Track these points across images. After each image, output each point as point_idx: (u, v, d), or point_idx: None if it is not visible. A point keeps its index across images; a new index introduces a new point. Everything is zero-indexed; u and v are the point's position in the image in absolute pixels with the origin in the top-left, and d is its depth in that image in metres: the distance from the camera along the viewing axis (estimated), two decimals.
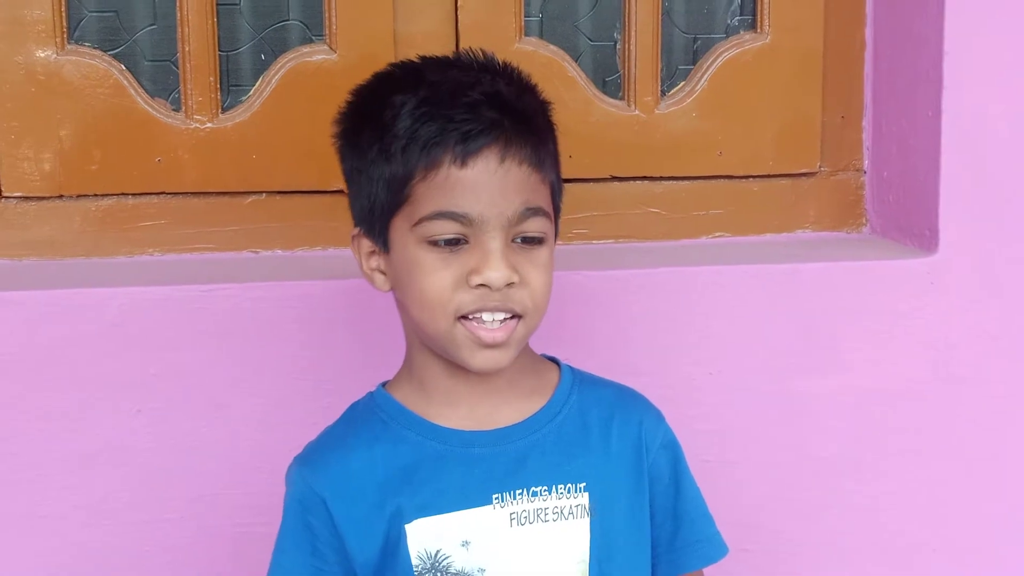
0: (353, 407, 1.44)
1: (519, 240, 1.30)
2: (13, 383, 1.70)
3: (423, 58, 1.38)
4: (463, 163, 1.26)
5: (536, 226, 1.30)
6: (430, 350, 1.36)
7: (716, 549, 1.47)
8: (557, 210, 1.38)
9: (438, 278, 1.28)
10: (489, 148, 1.27)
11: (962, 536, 1.95)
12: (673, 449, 1.45)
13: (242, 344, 1.75)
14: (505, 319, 1.30)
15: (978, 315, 1.92)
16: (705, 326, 1.86)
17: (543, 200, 1.32)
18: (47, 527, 1.72)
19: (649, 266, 1.86)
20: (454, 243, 1.28)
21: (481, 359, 1.31)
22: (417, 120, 1.28)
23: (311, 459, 1.39)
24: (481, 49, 1.37)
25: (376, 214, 1.34)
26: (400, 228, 1.31)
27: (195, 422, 1.74)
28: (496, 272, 1.27)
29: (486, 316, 1.29)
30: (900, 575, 1.95)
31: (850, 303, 1.89)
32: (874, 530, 1.93)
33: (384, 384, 1.44)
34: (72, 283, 1.74)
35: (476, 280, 1.27)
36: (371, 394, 1.43)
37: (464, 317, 1.29)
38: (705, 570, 1.48)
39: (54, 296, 1.70)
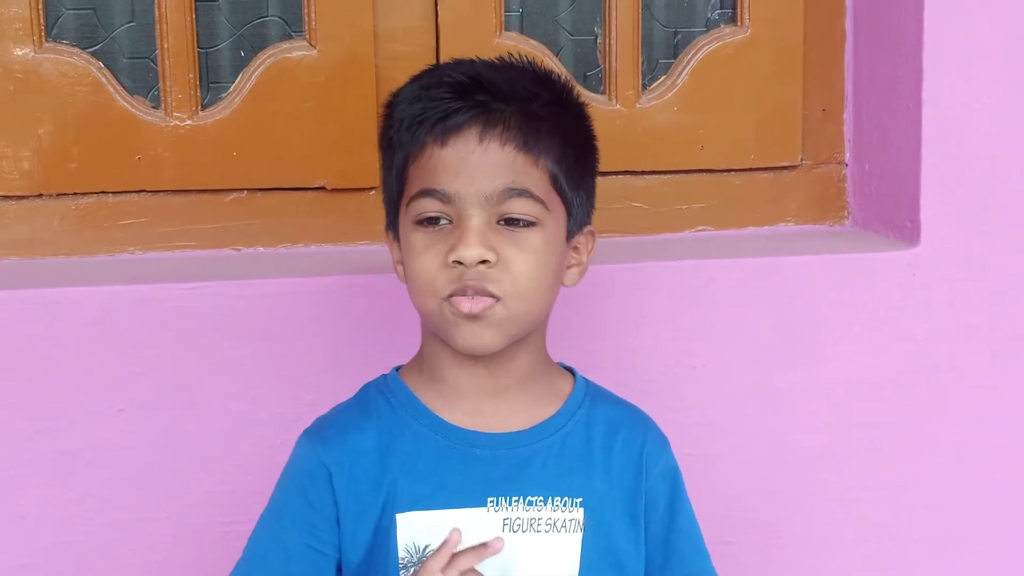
0: (365, 389, 1.44)
1: (503, 222, 1.30)
2: None
3: (459, 60, 1.39)
4: (443, 142, 1.28)
5: (521, 207, 1.29)
6: (439, 339, 1.36)
7: None
8: (569, 203, 1.36)
9: (425, 260, 1.30)
10: (469, 126, 1.28)
11: (943, 528, 1.96)
12: (673, 478, 1.44)
13: (224, 342, 1.74)
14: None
15: (960, 307, 1.92)
16: (687, 320, 1.86)
17: (534, 184, 1.30)
18: (26, 527, 1.72)
19: (631, 260, 1.86)
20: (435, 221, 1.30)
21: (464, 335, 1.30)
22: (408, 103, 1.32)
23: (323, 434, 1.39)
24: (522, 55, 1.39)
25: (392, 204, 1.37)
26: (402, 212, 1.34)
27: (177, 420, 1.73)
28: (468, 249, 1.26)
29: (468, 294, 1.29)
30: (881, 567, 1.95)
31: (832, 296, 1.90)
32: (856, 522, 1.93)
33: (398, 368, 1.44)
34: (52, 282, 1.73)
35: (451, 257, 1.28)
36: (384, 377, 1.44)
37: (451, 296, 1.29)
38: None
39: (34, 295, 1.70)
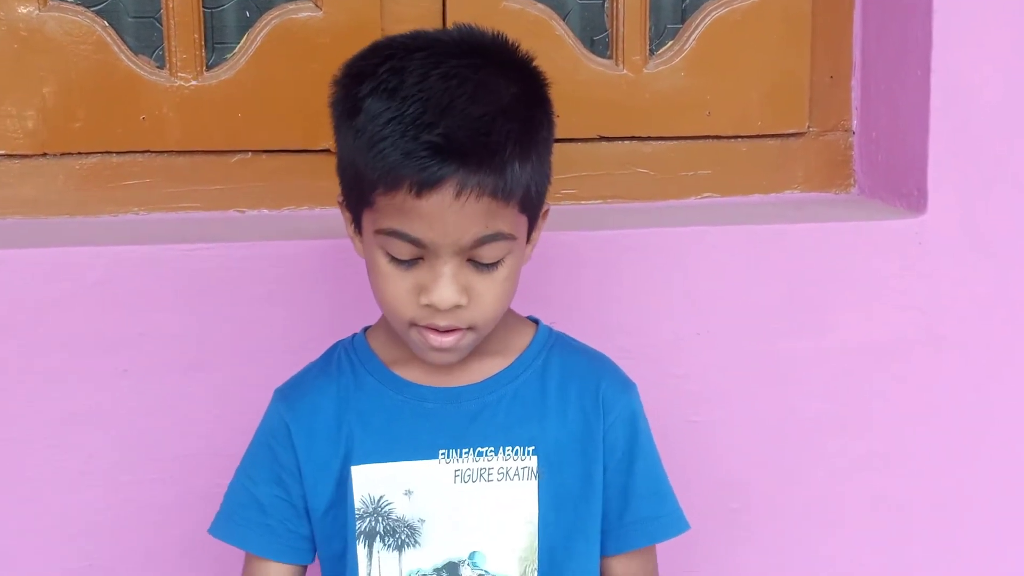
0: (334, 347, 1.50)
1: (473, 261, 1.31)
2: None
3: (415, 43, 1.33)
4: (418, 194, 1.26)
5: (492, 252, 1.31)
6: None
7: (666, 527, 1.48)
8: (534, 210, 1.37)
9: (395, 287, 1.32)
10: (447, 182, 1.25)
11: (946, 496, 1.97)
12: (633, 422, 1.45)
13: (228, 304, 1.74)
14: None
15: (966, 276, 1.92)
16: (692, 287, 1.86)
17: (505, 223, 1.31)
18: (32, 489, 1.72)
19: (636, 227, 1.86)
20: (409, 262, 1.31)
21: (432, 357, 1.36)
22: (382, 140, 1.27)
23: (286, 392, 1.47)
24: (480, 29, 1.35)
25: (351, 197, 1.37)
26: (367, 224, 1.34)
27: (181, 382, 1.73)
28: (442, 298, 1.29)
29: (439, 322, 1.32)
30: (885, 534, 1.96)
31: (838, 264, 1.89)
32: (860, 490, 1.94)
33: (368, 328, 1.49)
34: (56, 242, 1.73)
35: (424, 300, 1.30)
36: (353, 336, 1.49)
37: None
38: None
39: (38, 255, 1.69)
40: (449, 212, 1.26)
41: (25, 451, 1.71)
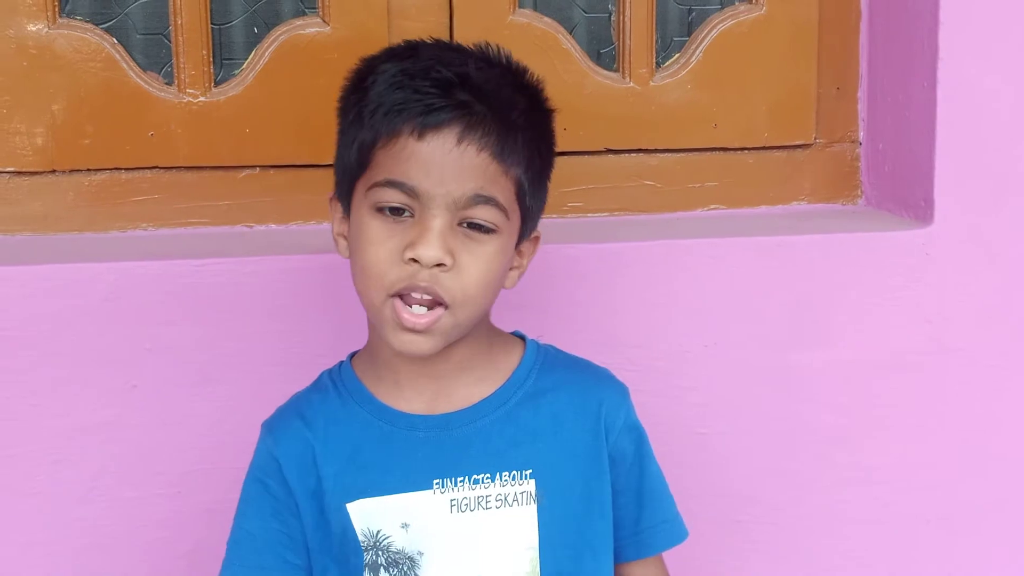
0: (321, 376, 1.47)
1: (465, 225, 1.30)
2: (6, 358, 1.70)
3: (437, 41, 1.39)
4: (420, 136, 1.27)
5: (485, 214, 1.30)
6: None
7: (678, 531, 1.48)
8: (527, 212, 1.37)
9: (379, 250, 1.29)
10: (449, 125, 1.27)
11: (955, 508, 1.96)
12: (636, 430, 1.45)
13: (236, 319, 1.74)
14: (431, 307, 1.30)
15: (973, 286, 1.92)
16: (700, 299, 1.86)
17: (501, 193, 1.31)
18: (40, 503, 1.73)
19: (644, 239, 1.86)
20: (398, 212, 1.29)
21: (401, 341, 1.31)
22: (389, 87, 1.30)
23: (273, 426, 1.44)
24: (499, 46, 1.38)
25: (345, 177, 1.36)
26: (359, 193, 1.33)
27: (190, 397, 1.74)
28: (428, 250, 1.27)
29: (415, 295, 1.29)
30: (893, 546, 1.95)
31: (845, 275, 1.89)
32: (867, 502, 1.93)
33: (354, 354, 1.47)
34: (65, 258, 1.73)
35: (408, 254, 1.28)
36: (340, 364, 1.46)
37: (396, 295, 1.30)
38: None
39: (47, 271, 1.70)
40: (449, 159, 1.27)
41: (33, 465, 1.71)
